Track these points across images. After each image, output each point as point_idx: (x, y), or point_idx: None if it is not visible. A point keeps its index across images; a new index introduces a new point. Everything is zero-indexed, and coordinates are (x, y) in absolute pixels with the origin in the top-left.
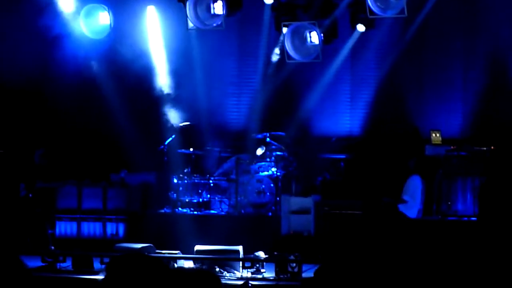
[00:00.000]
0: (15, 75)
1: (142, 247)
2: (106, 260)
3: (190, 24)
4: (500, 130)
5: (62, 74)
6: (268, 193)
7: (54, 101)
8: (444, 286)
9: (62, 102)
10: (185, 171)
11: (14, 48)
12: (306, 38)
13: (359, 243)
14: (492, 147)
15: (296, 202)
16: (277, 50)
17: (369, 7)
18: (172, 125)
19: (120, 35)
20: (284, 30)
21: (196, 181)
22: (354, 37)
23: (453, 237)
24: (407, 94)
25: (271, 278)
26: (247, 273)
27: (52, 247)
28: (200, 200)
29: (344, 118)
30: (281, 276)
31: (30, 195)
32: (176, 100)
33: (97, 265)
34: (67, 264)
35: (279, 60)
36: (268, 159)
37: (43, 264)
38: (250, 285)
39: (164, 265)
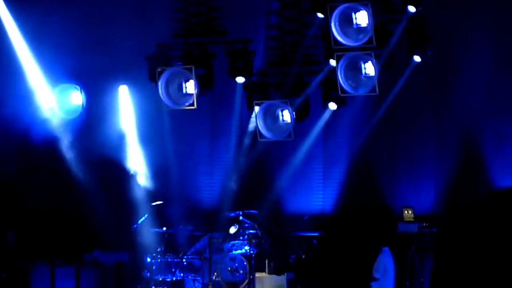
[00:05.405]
0: None
1: None
2: None
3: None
4: (470, 206)
5: (33, 154)
6: (241, 272)
7: (25, 181)
8: None
9: (33, 181)
10: (158, 250)
11: None
12: (278, 117)
13: None
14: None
15: (270, 280)
16: (249, 129)
17: (340, 85)
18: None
19: (92, 114)
20: (256, 108)
21: (169, 260)
22: (326, 115)
23: None
24: (379, 172)
25: None
26: None
27: None
28: (174, 279)
29: (317, 196)
30: None
31: (3, 275)
32: (148, 179)
33: None
34: None
35: (251, 138)
36: (241, 238)
37: None
38: None
39: None
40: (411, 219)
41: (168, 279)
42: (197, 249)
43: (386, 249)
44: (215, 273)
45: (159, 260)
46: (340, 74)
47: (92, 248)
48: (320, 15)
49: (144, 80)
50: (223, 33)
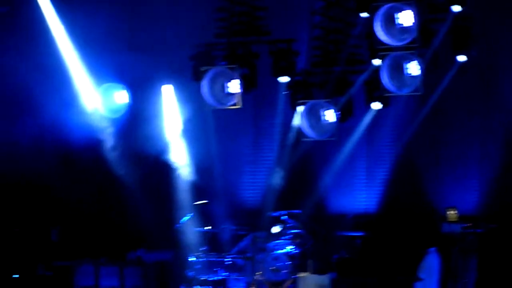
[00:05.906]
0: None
1: None
2: None
3: (207, 103)
4: None
5: (79, 153)
6: (284, 271)
7: (70, 180)
8: None
9: (79, 181)
10: (202, 249)
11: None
12: (321, 116)
13: None
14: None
15: (313, 279)
16: (293, 128)
17: (384, 85)
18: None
19: (136, 113)
20: (299, 108)
21: (212, 259)
22: (370, 114)
23: None
24: (423, 171)
25: None
26: None
27: None
28: (217, 278)
29: (360, 195)
30: None
31: (48, 274)
32: (192, 178)
33: None
34: None
35: (294, 138)
36: (284, 237)
37: None
38: None
39: None
40: (455, 220)
41: (211, 279)
42: (240, 248)
43: (433, 249)
44: (258, 273)
45: (202, 259)
46: (384, 73)
47: (136, 247)
48: (364, 14)
49: (188, 79)
50: (267, 33)
